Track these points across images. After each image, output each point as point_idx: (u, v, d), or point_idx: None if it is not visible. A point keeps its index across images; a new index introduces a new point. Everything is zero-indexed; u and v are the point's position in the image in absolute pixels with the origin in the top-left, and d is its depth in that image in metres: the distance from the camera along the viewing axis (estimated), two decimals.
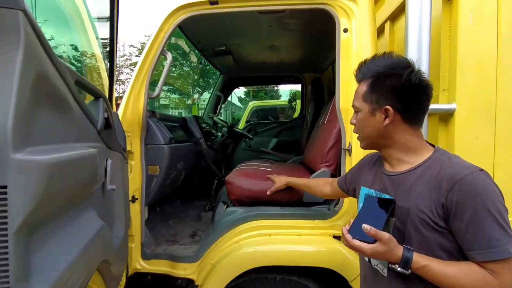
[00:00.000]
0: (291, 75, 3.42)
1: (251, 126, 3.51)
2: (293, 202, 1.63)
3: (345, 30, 1.49)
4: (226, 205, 1.76)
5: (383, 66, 0.84)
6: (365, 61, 0.91)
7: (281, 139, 3.43)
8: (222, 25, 2.06)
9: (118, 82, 16.32)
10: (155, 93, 1.70)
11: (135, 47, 15.33)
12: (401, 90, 0.82)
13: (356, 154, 1.44)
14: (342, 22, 1.49)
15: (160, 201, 2.15)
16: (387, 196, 0.87)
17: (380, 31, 1.81)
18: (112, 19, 1.17)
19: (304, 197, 1.62)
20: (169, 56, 1.68)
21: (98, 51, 1.53)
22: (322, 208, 1.58)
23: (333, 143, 1.69)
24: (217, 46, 2.48)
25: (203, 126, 2.56)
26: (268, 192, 1.59)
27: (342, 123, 1.55)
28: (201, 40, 2.33)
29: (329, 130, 1.79)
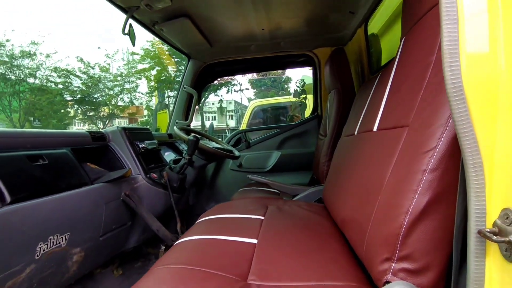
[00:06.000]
0: (297, 54, 2.24)
1: (241, 135, 2.36)
2: None
3: None
4: None
5: None
6: None
7: (287, 151, 2.25)
8: None
9: (124, 92, 15.78)
10: None
11: (137, 54, 14.48)
12: None
13: None
14: None
15: None
16: None
17: None
18: None
19: None
20: None
21: None
22: None
23: (425, 201, 0.52)
24: (155, 0, 1.35)
25: (141, 146, 1.43)
26: None
27: (468, 132, 0.40)
28: None
29: (401, 155, 0.63)
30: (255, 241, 0.91)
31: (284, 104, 4.40)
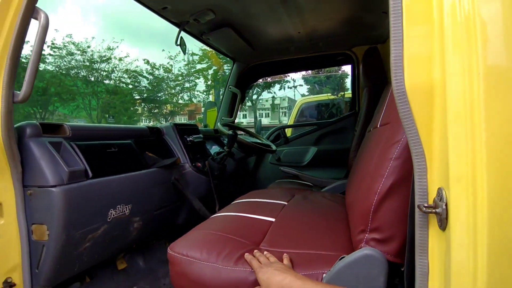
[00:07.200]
0: (336, 53, 2.32)
1: (280, 131, 2.52)
2: None
3: None
4: None
5: None
6: None
7: (323, 147, 2.36)
8: None
9: (184, 90, 16.97)
10: (23, 91, 0.90)
11: (196, 54, 15.41)
12: None
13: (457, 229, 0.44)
14: None
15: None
16: None
17: None
18: None
19: None
20: (43, 16, 0.88)
21: None
22: None
23: (389, 184, 0.64)
24: (201, 14, 1.59)
25: (188, 139, 1.69)
26: None
27: (411, 127, 0.54)
28: (167, 5, 1.47)
29: (380, 147, 0.74)
30: (273, 219, 1.08)
31: (331, 101, 4.41)
